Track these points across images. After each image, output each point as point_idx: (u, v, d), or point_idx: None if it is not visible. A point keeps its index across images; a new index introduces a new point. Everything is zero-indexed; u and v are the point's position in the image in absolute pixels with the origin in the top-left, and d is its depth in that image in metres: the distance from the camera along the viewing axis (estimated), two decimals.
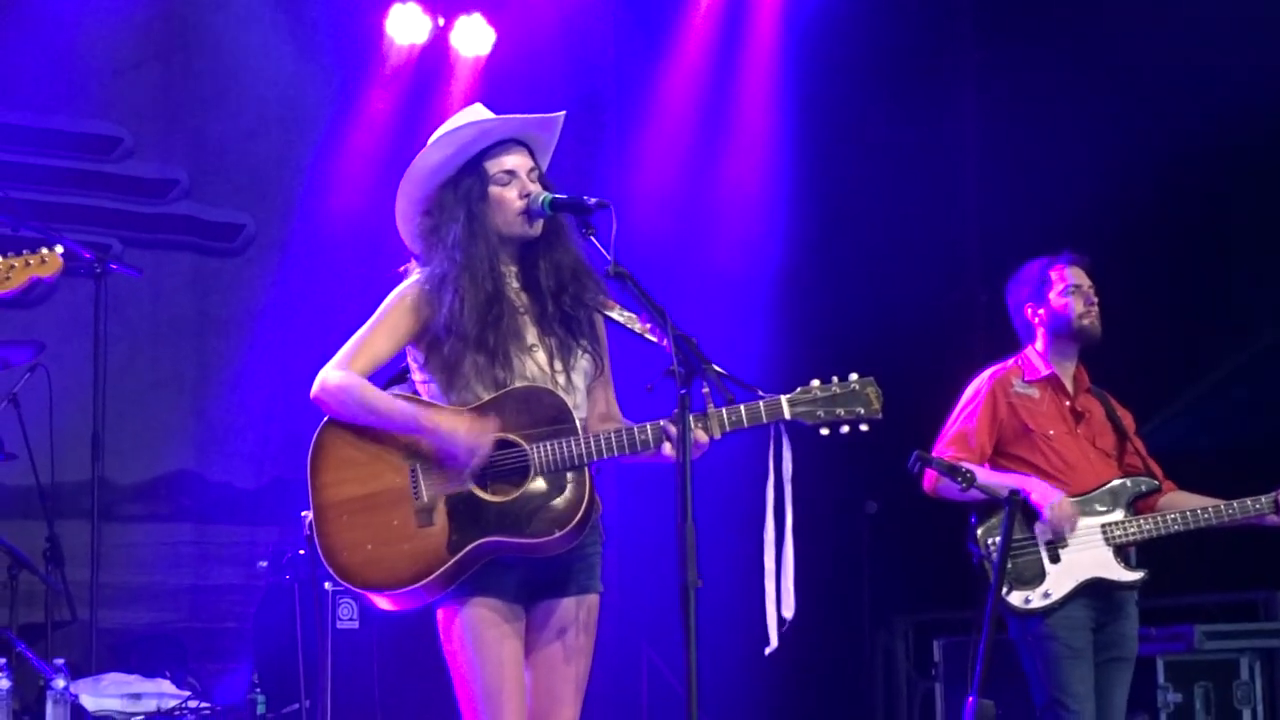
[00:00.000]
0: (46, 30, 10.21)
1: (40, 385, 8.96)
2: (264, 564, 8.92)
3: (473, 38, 11.16)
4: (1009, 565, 6.87)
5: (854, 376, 5.24)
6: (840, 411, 5.19)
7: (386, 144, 10.29)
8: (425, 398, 5.28)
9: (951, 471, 6.72)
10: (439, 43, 11.17)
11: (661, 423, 5.09)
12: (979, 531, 7.00)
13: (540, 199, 5.24)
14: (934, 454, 7.00)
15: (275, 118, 11.02)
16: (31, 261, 4.49)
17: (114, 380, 9.23)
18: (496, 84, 10.85)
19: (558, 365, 5.28)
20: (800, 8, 11.05)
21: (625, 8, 11.55)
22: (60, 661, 8.04)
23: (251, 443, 10.51)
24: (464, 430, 5.08)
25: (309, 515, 5.21)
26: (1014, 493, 6.72)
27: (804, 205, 10.96)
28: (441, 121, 5.45)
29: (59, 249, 4.54)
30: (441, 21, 11.14)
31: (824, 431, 5.20)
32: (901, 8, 11.03)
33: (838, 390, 5.21)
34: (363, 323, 5.34)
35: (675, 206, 10.99)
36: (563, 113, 5.44)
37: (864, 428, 5.21)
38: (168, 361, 10.65)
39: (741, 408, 5.13)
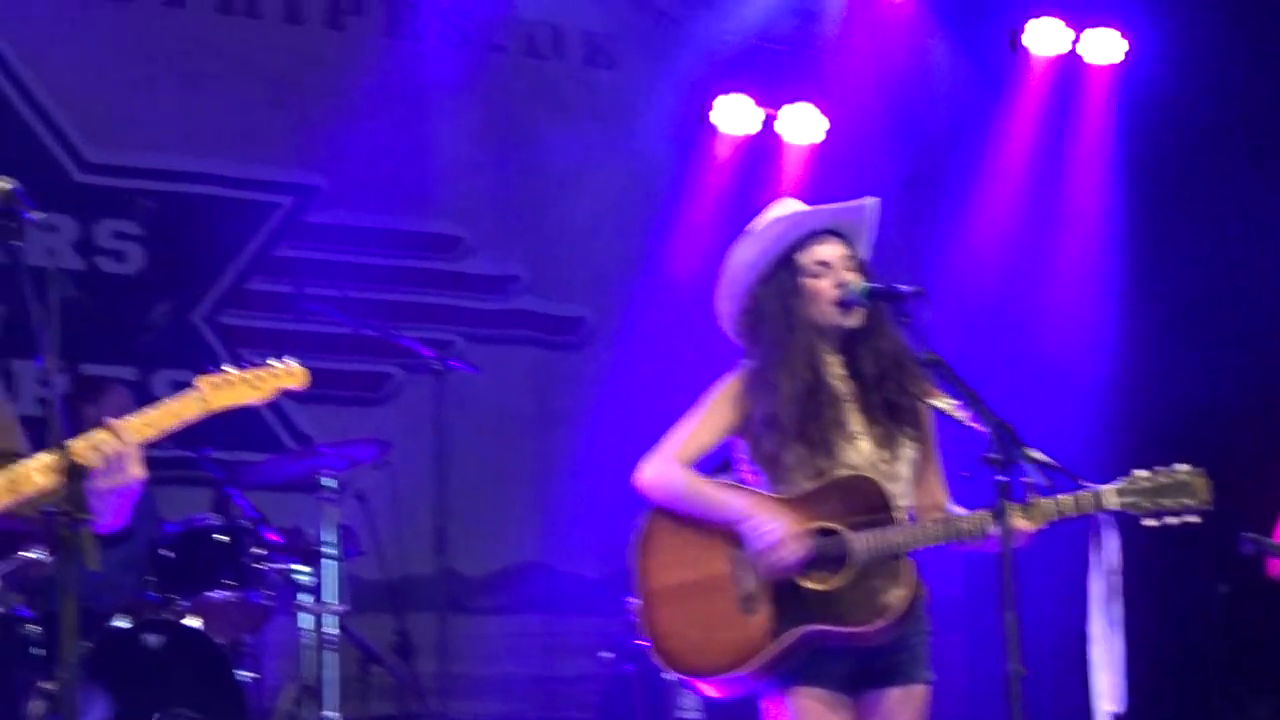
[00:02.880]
0: (388, 135, 10.57)
1: (386, 482, 9.24)
2: (607, 654, 9.07)
3: (803, 127, 11.31)
4: None
5: (1181, 466, 5.19)
6: (1166, 502, 5.14)
7: (717, 234, 10.44)
8: (752, 488, 5.41)
9: None
10: (768, 132, 11.36)
11: (984, 513, 5.11)
12: None
13: (855, 288, 5.35)
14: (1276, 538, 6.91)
15: (610, 211, 11.21)
16: (280, 374, 4.75)
17: (458, 474, 9.40)
18: (828, 172, 10.98)
19: (882, 454, 5.35)
20: (1134, 85, 10.95)
21: (958, 89, 11.57)
22: None
23: (596, 533, 10.62)
24: (778, 531, 5.19)
25: (635, 602, 5.39)
26: None
27: (1138, 287, 10.83)
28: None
29: (297, 363, 4.79)
30: (771, 112, 11.31)
31: (1150, 522, 5.18)
32: (1240, 75, 10.85)
33: (1164, 480, 5.16)
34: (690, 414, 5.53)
35: (1004, 288, 10.96)
36: (872, 200, 5.52)
37: (1193, 519, 5.16)
38: (510, 455, 10.87)
39: (1066, 498, 5.14)
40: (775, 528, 5.20)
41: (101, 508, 4.34)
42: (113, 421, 4.49)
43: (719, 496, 5.34)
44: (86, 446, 4.37)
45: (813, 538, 5.21)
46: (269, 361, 4.81)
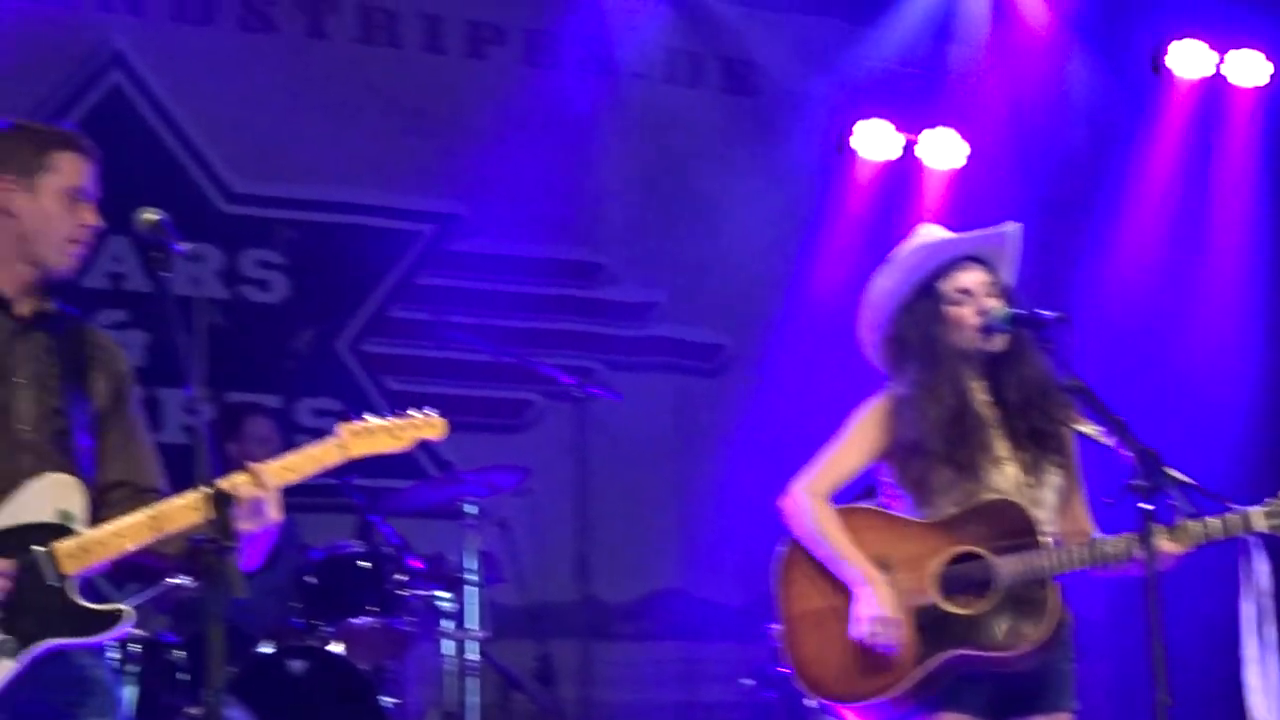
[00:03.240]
0: (528, 163, 10.61)
1: (527, 508, 9.26)
2: (749, 681, 9.06)
3: (943, 151, 11.29)
4: None
5: None
6: None
7: (858, 260, 10.40)
8: (896, 512, 5.41)
9: None
10: (908, 157, 11.34)
11: (1129, 536, 5.08)
12: None
13: (997, 314, 5.33)
14: None
15: (750, 237, 11.21)
16: (419, 424, 4.91)
17: (598, 501, 9.42)
18: (969, 196, 10.93)
19: (1028, 479, 5.34)
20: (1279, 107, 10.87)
21: (1101, 113, 11.49)
22: None
23: (737, 559, 10.59)
24: (877, 608, 5.20)
25: (778, 627, 5.40)
26: None
27: None
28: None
29: (436, 414, 4.96)
30: (911, 137, 11.30)
31: None
32: None
33: None
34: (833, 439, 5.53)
35: (1148, 312, 10.86)
36: (1014, 226, 5.52)
37: None
38: (651, 481, 10.86)
39: (1214, 520, 5.11)
40: (880, 609, 5.21)
41: (239, 548, 4.42)
42: (253, 465, 4.59)
43: (841, 554, 5.35)
44: (228, 488, 4.46)
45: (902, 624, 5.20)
46: (409, 412, 4.91)
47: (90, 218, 4.75)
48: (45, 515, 4.51)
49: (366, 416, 4.84)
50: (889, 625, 5.18)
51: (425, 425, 4.90)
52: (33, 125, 4.88)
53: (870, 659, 5.22)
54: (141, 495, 4.68)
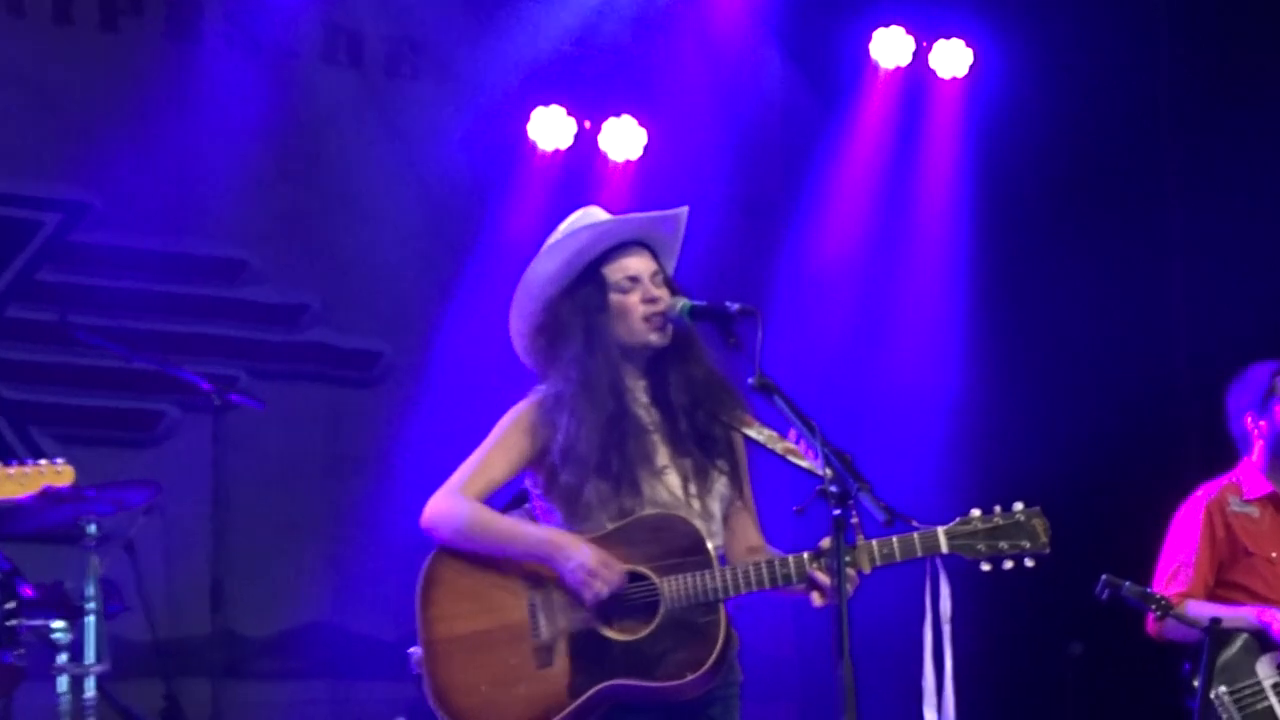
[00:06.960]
0: (166, 148, 10.43)
1: (157, 530, 9.05)
2: None
3: (622, 141, 11.29)
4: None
5: (1018, 506, 5.18)
6: (1003, 545, 5.12)
7: (528, 259, 10.36)
8: (549, 525, 5.31)
9: (1144, 599, 6.60)
10: (585, 147, 11.30)
11: (805, 556, 5.06)
12: (1196, 682, 6.82)
13: (679, 306, 5.26)
14: (1154, 590, 6.88)
15: (413, 235, 11.15)
16: (45, 471, 5.08)
17: (237, 523, 9.24)
18: (648, 188, 10.92)
19: (692, 489, 5.29)
20: (982, 105, 11.07)
21: (792, 102, 11.61)
22: None
23: (394, 590, 10.44)
24: (590, 558, 5.06)
25: (417, 651, 5.26)
26: (1214, 621, 6.58)
27: (987, 316, 10.91)
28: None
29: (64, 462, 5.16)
30: (588, 125, 11.26)
31: (985, 567, 5.14)
32: (1094, 102, 11.00)
33: (1000, 521, 5.15)
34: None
35: (845, 316, 10.99)
36: (684, 209, 5.48)
37: (1029, 563, 5.14)
38: (298, 502, 10.68)
39: (894, 540, 5.10)
40: (584, 552, 5.08)
41: None
42: None
43: (513, 528, 5.24)
44: None
45: (623, 566, 5.09)
46: (40, 461, 5.34)
47: None
48: None
49: None
50: (607, 565, 5.05)
51: (53, 473, 5.11)
52: None
53: (522, 689, 5.11)
54: None
